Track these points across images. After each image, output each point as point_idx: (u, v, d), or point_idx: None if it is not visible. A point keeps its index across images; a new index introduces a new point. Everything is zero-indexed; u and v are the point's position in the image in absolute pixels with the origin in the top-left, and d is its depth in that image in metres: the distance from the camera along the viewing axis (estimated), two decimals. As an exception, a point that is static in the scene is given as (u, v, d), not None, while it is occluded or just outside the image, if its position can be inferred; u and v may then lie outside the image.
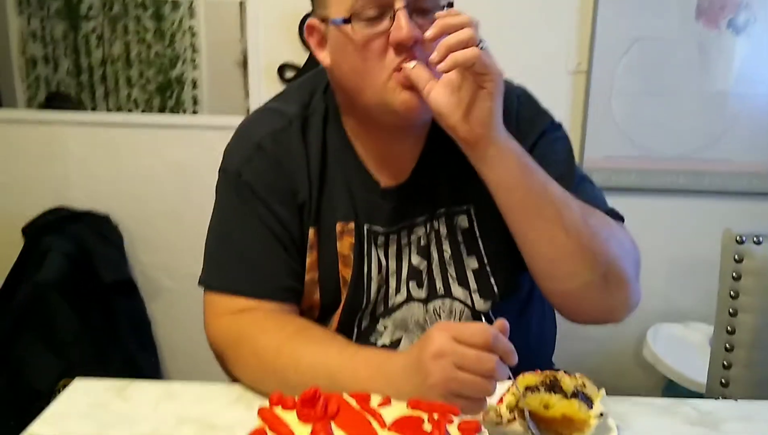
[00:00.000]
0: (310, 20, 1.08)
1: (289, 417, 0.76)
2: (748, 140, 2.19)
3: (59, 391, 1.06)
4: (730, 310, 1.42)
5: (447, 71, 0.92)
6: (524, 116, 1.15)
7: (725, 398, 1.38)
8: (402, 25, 0.98)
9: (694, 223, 2.27)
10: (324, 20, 1.05)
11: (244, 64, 2.39)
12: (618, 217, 1.15)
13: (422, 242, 1.15)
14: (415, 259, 1.15)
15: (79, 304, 2.05)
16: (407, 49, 0.99)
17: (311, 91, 1.18)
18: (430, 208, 1.15)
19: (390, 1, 0.98)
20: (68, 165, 2.41)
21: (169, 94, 4.18)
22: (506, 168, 1.00)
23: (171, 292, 2.46)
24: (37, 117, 2.49)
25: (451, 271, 1.15)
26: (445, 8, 1.02)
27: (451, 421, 0.75)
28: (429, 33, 0.93)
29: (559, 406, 0.93)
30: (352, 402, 0.79)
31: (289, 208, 1.12)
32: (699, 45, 2.12)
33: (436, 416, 0.76)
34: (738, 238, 1.42)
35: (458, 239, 1.15)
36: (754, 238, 1.41)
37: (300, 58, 2.26)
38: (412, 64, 0.98)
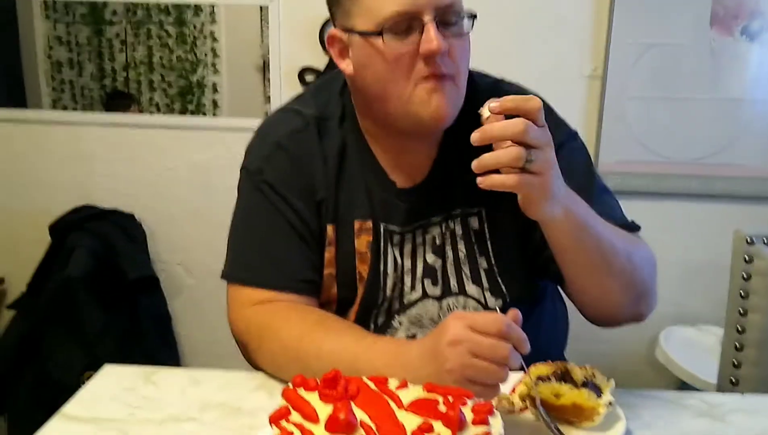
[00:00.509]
0: (331, 31, 1.12)
1: (311, 397, 0.80)
2: (760, 145, 2.21)
3: (83, 384, 1.10)
4: (740, 310, 1.45)
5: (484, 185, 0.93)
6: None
7: (734, 395, 1.41)
8: (432, 38, 1.01)
9: (706, 227, 2.29)
10: (347, 30, 1.09)
11: (264, 68, 2.44)
12: (636, 228, 1.19)
13: (437, 241, 1.19)
14: (430, 258, 1.19)
15: (104, 299, 2.10)
16: (434, 60, 1.03)
17: (328, 94, 1.22)
18: (446, 208, 1.19)
19: (418, 14, 1.02)
20: (93, 165, 2.47)
21: (189, 98, 4.25)
22: (561, 231, 1.03)
23: (192, 289, 2.51)
24: (63, 118, 2.56)
25: (466, 269, 1.19)
26: (467, 19, 1.06)
27: (465, 404, 0.79)
28: (494, 105, 0.92)
29: (569, 395, 0.96)
30: (371, 384, 0.83)
31: (308, 203, 1.17)
32: (712, 51, 2.15)
33: (451, 399, 0.80)
34: (748, 239, 1.45)
35: (471, 240, 1.19)
36: (764, 239, 1.44)
37: (320, 62, 2.31)
38: (485, 112, 0.95)
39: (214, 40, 4.37)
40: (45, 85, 4.17)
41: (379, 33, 1.03)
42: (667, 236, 2.22)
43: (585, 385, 0.97)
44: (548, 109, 1.21)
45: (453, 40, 1.05)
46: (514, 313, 0.91)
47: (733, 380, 1.45)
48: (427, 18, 1.02)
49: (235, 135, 2.40)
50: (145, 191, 2.47)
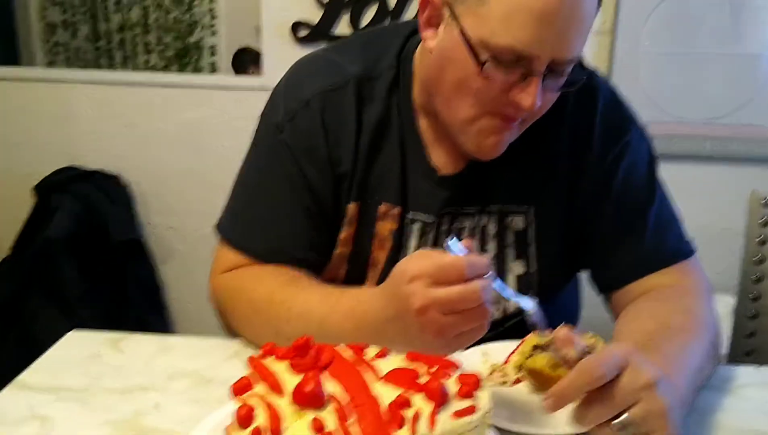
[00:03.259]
0: None
1: (279, 367, 0.72)
2: (779, 105, 2.10)
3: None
4: (755, 276, 1.36)
5: None
6: (610, 123, 1.07)
7: (748, 367, 1.33)
8: (531, 94, 0.90)
9: (721, 190, 2.19)
10: (451, 11, 0.93)
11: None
12: (689, 253, 1.09)
13: (465, 235, 1.08)
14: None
15: (87, 263, 2.05)
16: (521, 111, 0.93)
17: (381, 50, 1.08)
18: (482, 201, 1.08)
19: (533, 60, 0.89)
20: (80, 124, 2.39)
21: (187, 60, 4.15)
22: None
23: (183, 255, 2.45)
24: (49, 75, 2.49)
25: (492, 271, 1.09)
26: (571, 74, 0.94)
27: (450, 375, 0.71)
28: (547, 404, 0.77)
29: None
30: (348, 353, 0.75)
31: (326, 176, 1.05)
32: (732, 3, 2.03)
33: (434, 369, 0.71)
34: (764, 200, 1.35)
35: (506, 241, 1.09)
36: (783, 201, 1.35)
37: (314, 16, 2.20)
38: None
39: (212, 0, 4.25)
40: (39, 48, 4.09)
41: (483, 60, 0.90)
42: (679, 200, 2.10)
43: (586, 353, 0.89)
44: (617, 101, 1.11)
45: (549, 93, 0.94)
46: (468, 242, 0.82)
47: (747, 350, 1.37)
48: (539, 68, 0.89)
49: (228, 93, 2.32)
50: (134, 152, 2.39)
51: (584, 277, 1.19)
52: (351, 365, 0.72)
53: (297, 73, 1.11)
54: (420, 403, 0.66)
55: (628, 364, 0.73)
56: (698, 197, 2.22)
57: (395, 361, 0.74)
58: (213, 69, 4.04)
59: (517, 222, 1.09)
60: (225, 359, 1.02)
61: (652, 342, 0.87)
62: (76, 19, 3.98)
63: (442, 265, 0.78)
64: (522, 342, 0.91)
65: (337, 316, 0.91)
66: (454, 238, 0.82)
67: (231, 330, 1.08)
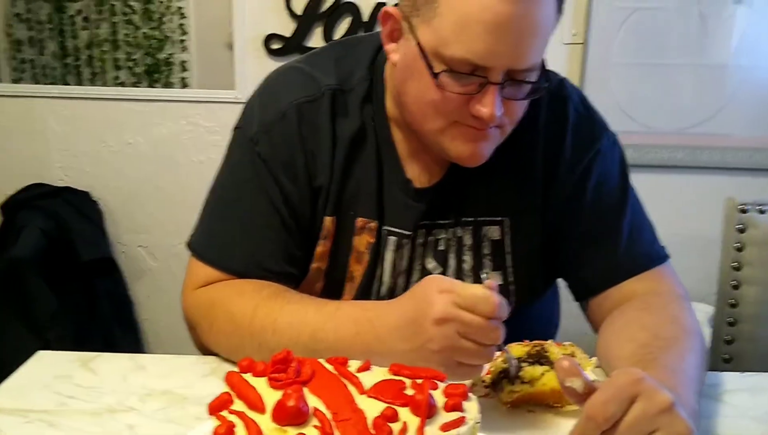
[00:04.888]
0: (390, 8, 0.97)
1: (259, 383, 0.69)
2: (748, 114, 2.13)
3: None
4: (733, 283, 1.36)
5: None
6: (581, 131, 1.07)
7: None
8: (489, 104, 0.89)
9: (693, 199, 2.20)
10: (408, 24, 0.93)
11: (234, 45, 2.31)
12: (664, 258, 1.09)
13: (441, 247, 1.07)
14: (431, 264, 1.07)
15: (56, 282, 1.99)
16: (483, 122, 0.92)
17: (353, 63, 1.07)
18: (457, 213, 1.07)
19: (488, 71, 0.88)
20: (49, 140, 2.34)
21: (157, 76, 4.10)
22: None
23: (154, 272, 2.40)
24: (16, 90, 2.42)
25: (469, 282, 1.07)
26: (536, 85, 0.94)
27: (436, 387, 0.69)
28: None
29: (546, 379, 0.87)
30: (329, 367, 0.73)
31: (303, 189, 1.03)
32: (701, 15, 2.05)
33: (419, 382, 0.69)
34: (741, 207, 1.36)
35: (483, 252, 1.08)
36: (758, 207, 1.35)
37: (287, 28, 2.18)
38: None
39: (182, 16, 4.23)
40: (5, 65, 4.01)
41: (438, 71, 0.89)
42: (651, 209, 2.12)
43: None
44: (589, 109, 1.11)
45: (514, 102, 0.93)
46: (492, 283, 0.82)
47: (726, 357, 1.36)
48: (495, 79, 0.89)
49: (200, 107, 2.29)
50: (103, 168, 2.34)
51: (563, 288, 1.18)
52: (334, 378, 0.70)
53: (271, 85, 1.10)
54: (407, 416, 0.64)
55: (640, 391, 0.69)
56: (670, 206, 2.23)
57: (379, 374, 0.72)
58: (184, 85, 3.99)
59: (493, 232, 1.08)
60: (200, 377, 0.98)
61: (649, 355, 0.85)
62: (42, 36, 3.91)
63: (476, 294, 0.79)
64: (502, 353, 0.89)
65: (334, 324, 0.90)
66: (487, 274, 0.82)
67: (205, 346, 1.05)
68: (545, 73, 0.96)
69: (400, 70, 0.97)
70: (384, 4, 2.10)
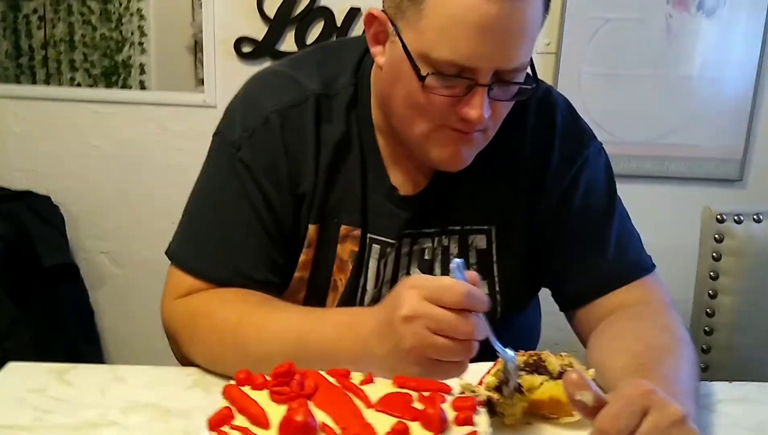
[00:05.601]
0: (374, 10, 0.94)
1: (260, 396, 0.66)
2: (714, 125, 2.16)
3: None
4: (710, 292, 1.38)
5: None
6: (569, 139, 1.07)
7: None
8: (477, 106, 0.88)
9: (661, 210, 2.22)
10: (393, 26, 0.91)
11: (196, 48, 2.26)
12: (650, 268, 1.08)
13: (426, 256, 1.06)
14: (416, 273, 1.06)
15: (16, 289, 1.91)
16: (471, 124, 0.90)
17: (338, 67, 1.04)
18: (443, 222, 1.05)
19: (474, 72, 0.87)
20: (7, 142, 2.25)
21: (114, 78, 4.01)
22: None
23: (117, 280, 2.32)
24: (-28, 90, 2.33)
25: None
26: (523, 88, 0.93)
27: (445, 400, 0.67)
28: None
29: (545, 388, 0.86)
30: (332, 380, 0.70)
31: (286, 196, 1.00)
32: (669, 27, 2.08)
33: (426, 394, 0.67)
34: (718, 216, 1.38)
35: (469, 261, 1.06)
36: (735, 217, 1.37)
37: (258, 31, 2.14)
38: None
39: (142, 17, 4.15)
40: (-43, 65, 3.88)
41: (424, 74, 0.88)
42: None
43: (561, 375, 0.86)
44: (575, 117, 1.10)
45: (501, 103, 0.92)
46: (473, 275, 0.80)
47: (703, 366, 1.38)
48: (482, 80, 0.87)
49: (167, 110, 2.23)
50: (64, 171, 2.26)
51: (544, 296, 1.17)
52: (339, 391, 0.67)
53: (253, 89, 1.07)
54: (418, 431, 0.62)
55: (651, 404, 0.68)
56: (640, 216, 2.26)
57: (383, 386, 0.70)
58: (142, 88, 3.91)
59: (479, 241, 1.06)
60: (184, 389, 0.95)
61: (644, 365, 0.84)
62: (-5, 35, 3.79)
63: (441, 285, 0.76)
64: (496, 362, 0.87)
65: (320, 331, 0.88)
66: (462, 261, 0.79)
67: (185, 357, 1.01)
68: (534, 74, 0.95)
69: (386, 73, 0.95)
70: (358, 9, 2.08)
